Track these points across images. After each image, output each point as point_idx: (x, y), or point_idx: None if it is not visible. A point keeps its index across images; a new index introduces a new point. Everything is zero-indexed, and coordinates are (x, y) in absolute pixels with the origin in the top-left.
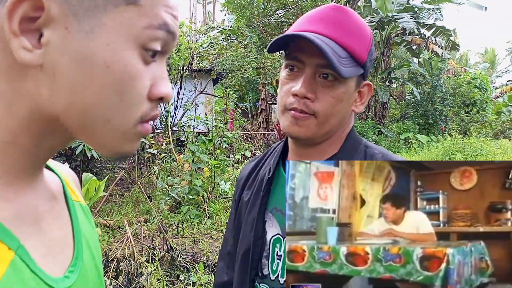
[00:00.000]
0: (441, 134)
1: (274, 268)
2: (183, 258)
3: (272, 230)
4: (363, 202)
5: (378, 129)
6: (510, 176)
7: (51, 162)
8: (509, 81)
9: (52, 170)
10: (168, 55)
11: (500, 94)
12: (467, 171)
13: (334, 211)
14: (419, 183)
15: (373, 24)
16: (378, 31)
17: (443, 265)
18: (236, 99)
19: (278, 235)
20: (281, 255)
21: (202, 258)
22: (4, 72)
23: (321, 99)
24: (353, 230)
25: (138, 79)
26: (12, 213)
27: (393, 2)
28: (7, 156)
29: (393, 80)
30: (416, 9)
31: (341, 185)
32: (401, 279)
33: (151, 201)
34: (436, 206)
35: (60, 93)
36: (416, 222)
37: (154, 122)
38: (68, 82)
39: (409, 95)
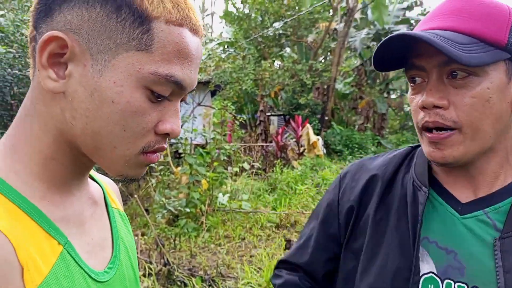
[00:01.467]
0: None
1: None
2: (180, 272)
3: (422, 266)
4: None
5: (377, 140)
6: None
7: (94, 174)
8: None
9: (95, 180)
10: (182, 96)
11: None
12: None
13: None
14: None
15: (370, 36)
16: (375, 43)
17: None
18: (234, 111)
19: (431, 274)
20: None
21: (199, 272)
22: (41, 96)
23: (458, 104)
24: None
25: (141, 115)
26: (60, 215)
27: (389, 15)
28: (50, 169)
29: (391, 91)
30: (412, 21)
31: None
32: None
33: (148, 214)
34: None
35: (77, 118)
36: None
37: None
38: (83, 110)
39: (407, 106)
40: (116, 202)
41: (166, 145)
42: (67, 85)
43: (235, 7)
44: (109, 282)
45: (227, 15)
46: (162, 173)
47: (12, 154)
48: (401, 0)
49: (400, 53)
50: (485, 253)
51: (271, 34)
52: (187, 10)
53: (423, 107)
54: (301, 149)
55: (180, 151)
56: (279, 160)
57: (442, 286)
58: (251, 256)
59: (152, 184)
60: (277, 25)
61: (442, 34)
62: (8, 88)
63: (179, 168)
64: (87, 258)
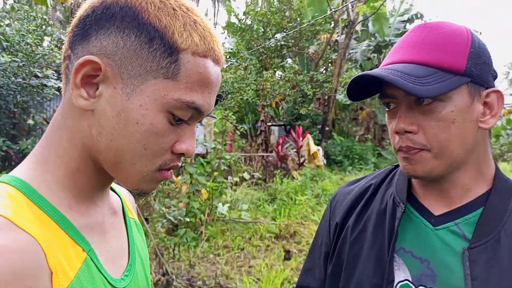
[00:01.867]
0: None
1: None
2: (179, 282)
3: (398, 274)
4: None
5: (378, 152)
6: None
7: (113, 185)
8: (506, 104)
9: (114, 191)
10: (199, 119)
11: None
12: None
13: None
14: None
15: (371, 48)
16: (375, 55)
17: None
18: (235, 120)
19: (406, 281)
20: None
21: (198, 283)
22: (71, 112)
23: (426, 128)
24: None
25: (161, 136)
26: (84, 224)
27: (390, 27)
28: (76, 181)
29: None
30: None
31: None
32: None
33: (148, 223)
34: None
35: (103, 135)
36: None
37: None
38: (109, 128)
39: None
40: (132, 212)
41: (180, 164)
42: (96, 104)
43: (237, 18)
44: None
45: (229, 26)
46: (162, 182)
47: (43, 165)
48: (401, 13)
49: (374, 83)
50: (454, 262)
51: (272, 45)
52: (212, 43)
53: (396, 132)
54: (302, 159)
55: None
56: (279, 170)
57: None
58: (250, 267)
59: (152, 193)
60: (279, 36)
61: (402, 69)
62: (11, 96)
63: (179, 178)
64: (106, 264)
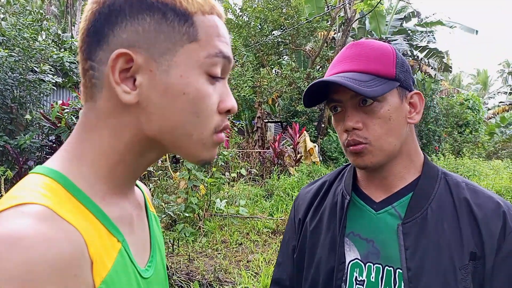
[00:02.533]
0: (434, 154)
1: None
2: (178, 277)
3: (350, 254)
4: None
5: None
6: None
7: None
8: (501, 102)
9: (137, 185)
10: (228, 74)
11: (492, 115)
12: None
13: None
14: None
15: None
16: None
17: None
18: (232, 117)
19: (357, 260)
20: (362, 280)
21: (197, 277)
22: (112, 111)
23: (369, 125)
24: None
25: (208, 98)
26: (117, 215)
27: (386, 25)
28: (116, 172)
29: None
30: (409, 31)
31: None
32: None
33: None
34: None
35: (153, 119)
36: None
37: None
38: (158, 110)
39: None
40: (152, 205)
41: (228, 123)
42: (139, 94)
43: (234, 14)
44: (149, 279)
45: (226, 23)
46: (160, 177)
47: (78, 159)
48: (398, 11)
49: (322, 91)
50: (393, 238)
51: (270, 42)
52: (211, 1)
53: (346, 130)
54: (298, 156)
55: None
56: (276, 167)
57: (365, 268)
58: (248, 261)
59: (150, 189)
60: (276, 33)
61: (349, 76)
62: (8, 91)
63: (178, 173)
64: (135, 255)
